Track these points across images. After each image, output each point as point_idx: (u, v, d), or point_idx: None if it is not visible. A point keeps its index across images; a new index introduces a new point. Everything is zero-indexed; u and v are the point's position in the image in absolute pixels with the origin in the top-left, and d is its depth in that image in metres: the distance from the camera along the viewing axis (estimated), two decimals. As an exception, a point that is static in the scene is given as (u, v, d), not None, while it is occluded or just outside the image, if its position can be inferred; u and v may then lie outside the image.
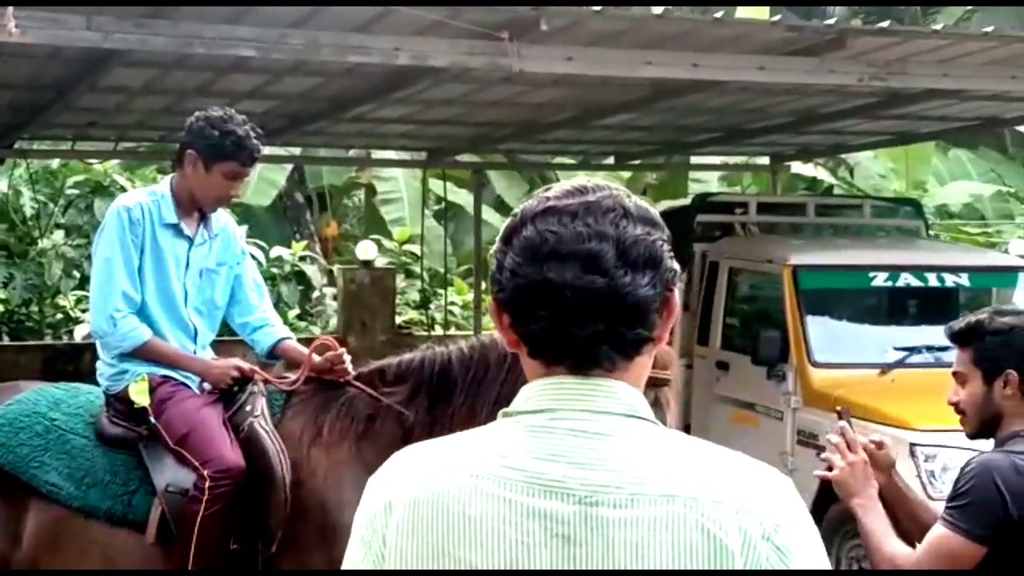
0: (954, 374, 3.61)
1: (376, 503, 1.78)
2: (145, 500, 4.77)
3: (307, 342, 5.30)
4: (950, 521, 3.32)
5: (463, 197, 17.08)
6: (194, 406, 4.87)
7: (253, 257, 13.94)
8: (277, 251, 15.81)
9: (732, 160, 15.94)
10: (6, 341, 14.23)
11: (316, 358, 4.99)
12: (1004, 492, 3.27)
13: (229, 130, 4.96)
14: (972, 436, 3.62)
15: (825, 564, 1.71)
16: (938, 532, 3.34)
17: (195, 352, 5.12)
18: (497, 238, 1.82)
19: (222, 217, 5.30)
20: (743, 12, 14.97)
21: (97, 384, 5.11)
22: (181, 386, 4.93)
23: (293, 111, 10.51)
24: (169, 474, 4.76)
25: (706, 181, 18.23)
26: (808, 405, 8.77)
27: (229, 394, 4.95)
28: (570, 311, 1.71)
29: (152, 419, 4.82)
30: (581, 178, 1.83)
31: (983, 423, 3.54)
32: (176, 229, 5.05)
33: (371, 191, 20.14)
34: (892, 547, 3.39)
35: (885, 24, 7.83)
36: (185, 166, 5.01)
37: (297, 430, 4.87)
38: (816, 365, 8.85)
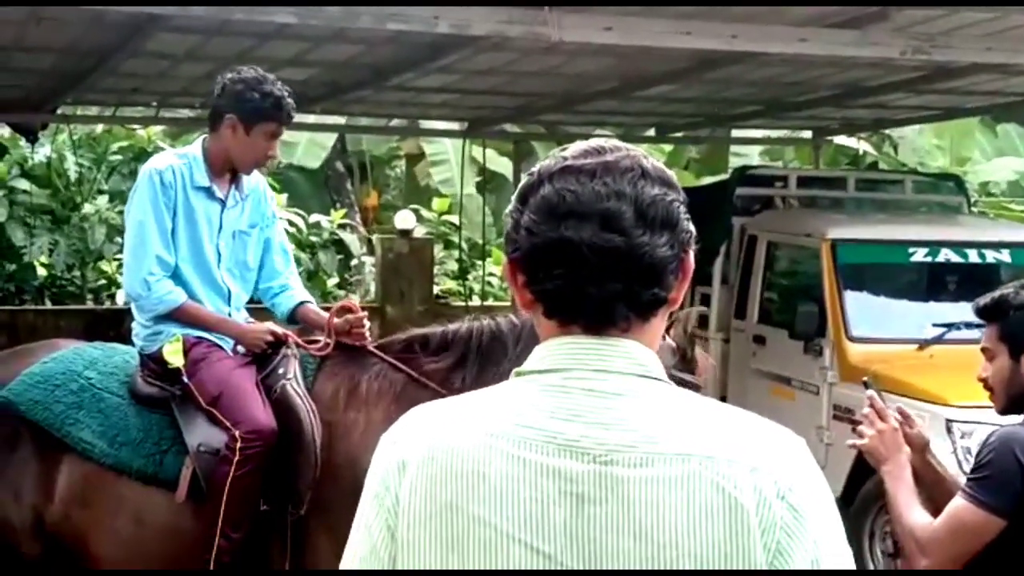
0: (983, 350, 3.60)
1: (389, 461, 1.78)
2: (177, 459, 4.81)
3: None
4: (970, 493, 3.31)
5: (504, 166, 17.04)
6: (227, 367, 4.90)
7: (291, 224, 13.99)
8: (316, 218, 15.84)
9: (774, 134, 15.83)
10: (48, 306, 14.36)
11: (336, 320, 5.00)
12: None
13: (267, 91, 4.97)
14: (1001, 412, 3.61)
15: (838, 525, 1.71)
16: (957, 504, 3.33)
17: (229, 314, 5.15)
18: (512, 197, 1.81)
19: (253, 178, 5.30)
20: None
21: (133, 345, 5.16)
22: (215, 347, 4.97)
23: (334, 79, 10.51)
24: (201, 434, 4.80)
25: (747, 155, 18.15)
26: (845, 380, 8.74)
27: (262, 357, 4.98)
28: (587, 270, 1.71)
29: (185, 379, 4.87)
30: (597, 138, 1.83)
31: (1011, 398, 3.52)
32: (208, 191, 5.07)
33: (413, 161, 20.19)
34: (914, 516, 3.39)
35: (928, -4, 7.74)
36: (222, 130, 5.01)
37: (330, 393, 4.90)
38: (853, 340, 8.82)
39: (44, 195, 14.50)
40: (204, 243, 5.06)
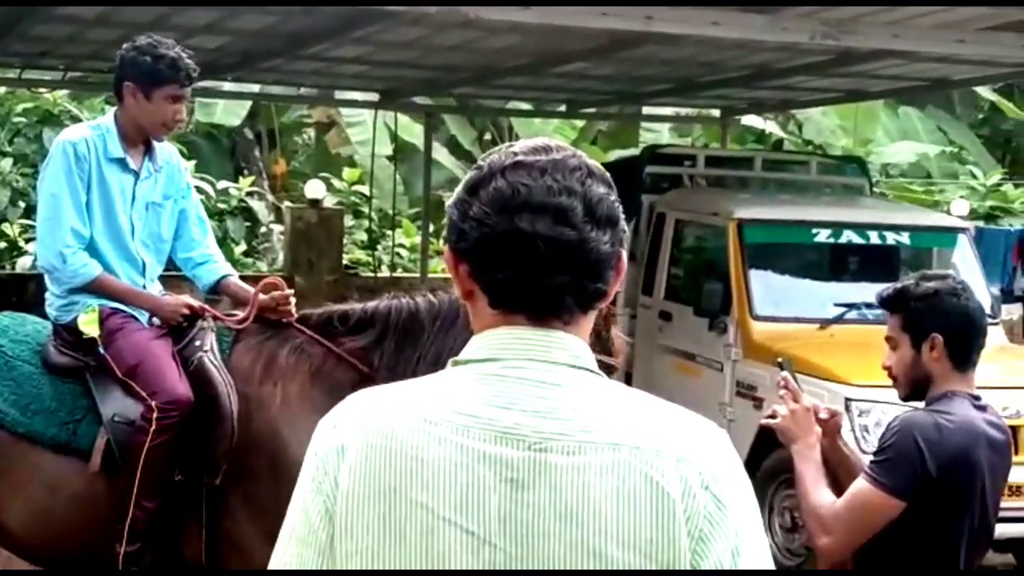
0: (887, 339, 3.71)
1: (328, 445, 1.82)
2: (91, 429, 4.80)
3: (253, 279, 5.32)
4: (871, 475, 3.44)
5: (416, 134, 17.05)
6: (144, 338, 4.90)
7: (199, 191, 13.89)
8: (224, 185, 15.72)
9: (683, 112, 16.02)
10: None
11: (262, 297, 5.02)
12: (924, 449, 3.38)
13: (161, 54, 4.96)
14: (905, 399, 3.74)
15: (756, 516, 1.80)
16: (859, 485, 3.45)
17: (144, 285, 5.13)
18: (459, 188, 1.86)
19: (167, 150, 5.28)
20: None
21: (43, 315, 5.13)
22: (131, 319, 4.95)
23: (248, 48, 10.47)
24: (116, 404, 4.79)
25: (657, 131, 18.32)
26: (748, 357, 8.89)
27: (178, 329, 4.99)
28: (539, 262, 1.77)
29: (101, 350, 4.86)
30: (541, 137, 1.89)
31: (913, 386, 3.64)
32: (122, 163, 5.05)
33: (322, 129, 20.08)
34: (819, 496, 3.51)
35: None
36: (125, 99, 5.01)
37: (247, 365, 4.92)
38: (757, 318, 8.97)
39: (-54, 157, 14.24)
40: (118, 215, 5.04)
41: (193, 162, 15.68)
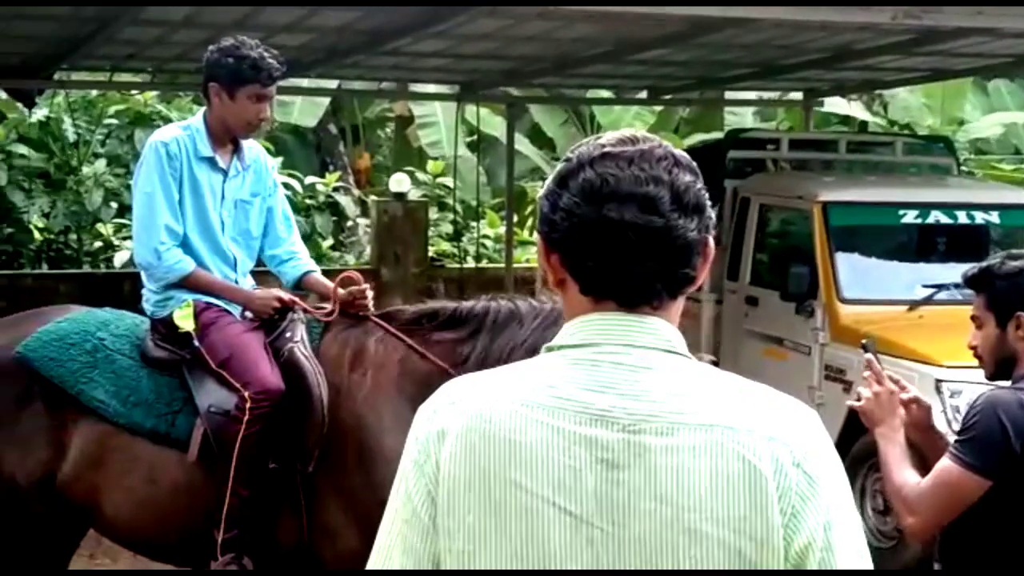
0: (972, 318, 3.71)
1: (429, 430, 1.89)
2: (188, 420, 4.95)
3: (339, 273, 5.43)
4: (955, 454, 3.43)
5: (498, 126, 17.13)
6: (236, 331, 5.04)
7: (286, 187, 14.16)
8: (311, 181, 15.93)
9: (766, 95, 15.90)
10: (45, 269, 14.44)
11: (340, 291, 5.13)
12: (1008, 427, 3.38)
13: (243, 55, 5.10)
14: (990, 378, 3.73)
15: (847, 493, 1.84)
16: (944, 464, 3.45)
17: (236, 280, 5.28)
18: (549, 180, 1.93)
19: (254, 149, 5.44)
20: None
21: (140, 312, 5.29)
22: (224, 312, 5.11)
23: (330, 44, 10.58)
24: (212, 396, 4.94)
25: (741, 114, 18.21)
26: (836, 340, 8.87)
27: (270, 321, 5.12)
28: (628, 249, 1.83)
29: (196, 343, 5.01)
30: (628, 129, 1.96)
31: (999, 365, 3.64)
32: (211, 162, 5.20)
33: (404, 123, 20.24)
34: (903, 476, 3.51)
35: (917, -39, 7.85)
36: (212, 99, 5.17)
37: (335, 355, 5.03)
38: (844, 301, 8.93)
39: (41, 159, 14.55)
40: (209, 212, 5.20)
41: (280, 159, 15.95)
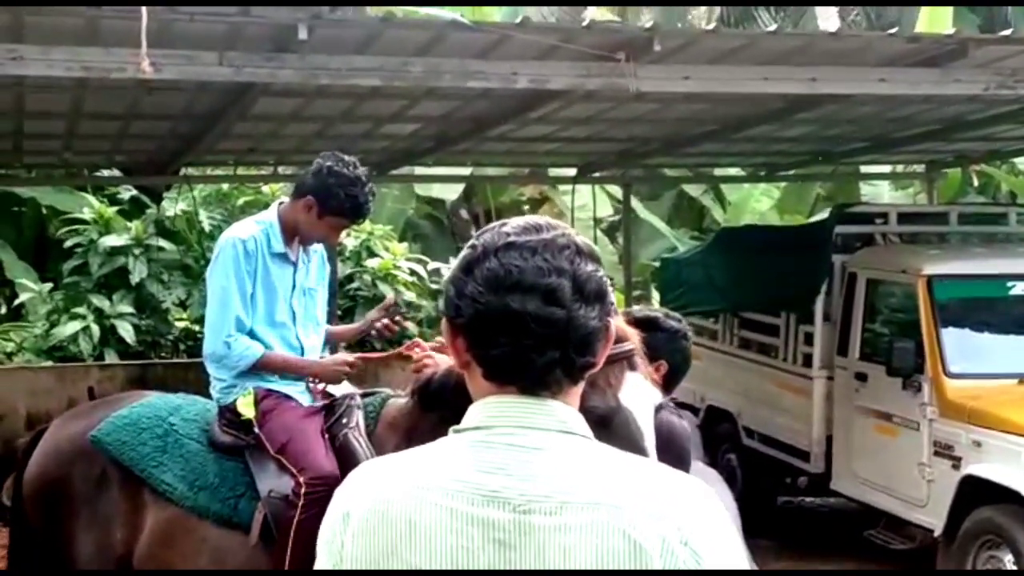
0: None
1: (337, 512, 1.98)
2: (250, 504, 5.12)
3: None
4: None
5: (636, 205, 17.14)
6: (294, 417, 5.21)
7: (411, 272, 14.40)
8: (434, 266, 16.18)
9: (886, 169, 15.71)
10: (182, 359, 14.87)
11: (370, 313, 5.54)
12: None
13: (352, 194, 5.30)
14: None
15: (742, 567, 1.88)
16: None
17: None
18: (455, 266, 1.99)
19: None
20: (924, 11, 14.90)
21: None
22: (284, 399, 5.29)
23: (437, 132, 10.81)
24: (271, 480, 5.11)
25: (877, 184, 17.91)
26: (944, 416, 8.72)
27: (328, 407, 5.28)
28: (530, 338, 1.88)
29: (256, 429, 5.19)
30: (533, 215, 2.02)
31: None
32: (283, 257, 5.42)
33: (536, 205, 20.45)
34: None
35: (1008, 32, 7.75)
36: (300, 204, 5.37)
37: (390, 441, 5.14)
38: (951, 376, 8.79)
39: (178, 250, 15.08)
40: (280, 304, 5.40)
41: (418, 245, 16.25)
